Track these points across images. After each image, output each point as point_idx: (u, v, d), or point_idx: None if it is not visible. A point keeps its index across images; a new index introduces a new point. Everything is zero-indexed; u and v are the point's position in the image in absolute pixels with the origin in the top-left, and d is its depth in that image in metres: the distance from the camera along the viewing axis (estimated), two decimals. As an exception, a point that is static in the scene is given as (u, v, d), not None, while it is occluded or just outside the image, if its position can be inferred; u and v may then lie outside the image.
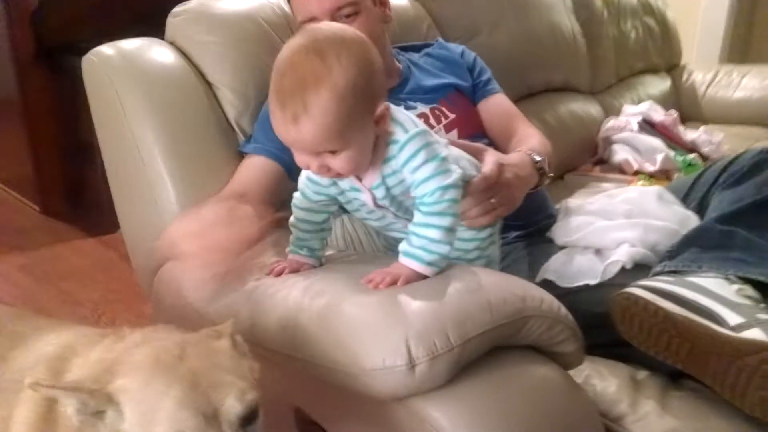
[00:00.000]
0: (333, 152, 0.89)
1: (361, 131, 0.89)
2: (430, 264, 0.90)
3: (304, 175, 1.02)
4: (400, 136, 0.93)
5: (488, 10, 1.90)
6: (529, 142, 1.29)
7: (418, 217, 0.92)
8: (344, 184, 0.99)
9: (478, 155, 1.10)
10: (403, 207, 1.00)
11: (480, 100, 1.45)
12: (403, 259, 0.91)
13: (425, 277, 0.89)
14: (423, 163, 0.91)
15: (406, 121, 0.95)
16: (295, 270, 1.01)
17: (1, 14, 2.72)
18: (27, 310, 1.09)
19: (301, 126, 0.86)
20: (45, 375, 0.83)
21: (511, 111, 1.46)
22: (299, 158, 0.93)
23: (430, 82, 1.39)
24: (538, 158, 1.22)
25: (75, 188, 3.04)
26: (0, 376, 0.88)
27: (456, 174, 0.92)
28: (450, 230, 0.91)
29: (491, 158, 1.08)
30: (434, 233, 0.89)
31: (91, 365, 0.79)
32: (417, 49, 1.52)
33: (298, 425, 1.07)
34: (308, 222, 1.03)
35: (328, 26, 0.96)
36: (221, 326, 0.80)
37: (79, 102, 2.90)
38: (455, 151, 1.04)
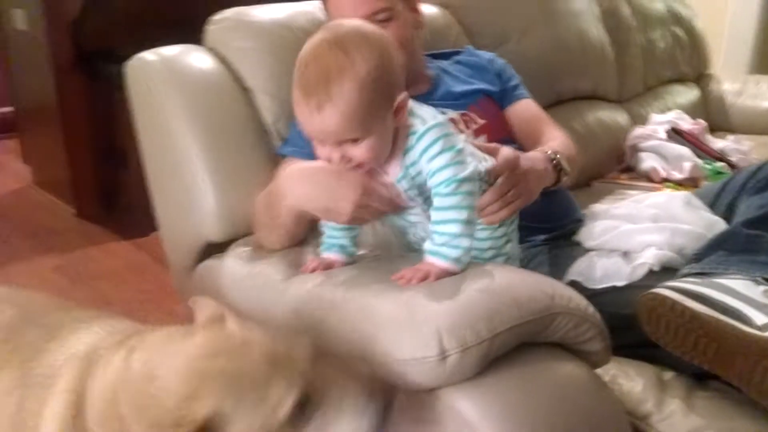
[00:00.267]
0: (354, 142, 0.94)
1: (381, 120, 0.94)
2: (456, 260, 0.93)
3: None
4: (419, 127, 0.98)
5: (517, 18, 1.93)
6: (551, 144, 1.32)
7: (435, 214, 0.95)
8: None
9: (493, 153, 1.12)
10: (430, 200, 1.03)
11: (508, 105, 1.47)
12: (429, 257, 0.94)
13: (454, 273, 0.92)
14: (439, 152, 0.95)
15: (426, 114, 1.00)
16: (328, 268, 1.04)
17: (42, 22, 2.81)
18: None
19: (325, 114, 0.91)
20: (69, 378, 0.82)
21: (539, 115, 1.49)
22: (321, 151, 0.98)
23: (459, 88, 1.43)
24: (554, 155, 1.24)
25: (109, 192, 3.12)
26: (34, 369, 0.89)
27: (471, 167, 0.96)
28: (469, 223, 0.94)
29: (506, 150, 1.11)
30: (454, 228, 0.93)
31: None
32: (446, 56, 1.55)
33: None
34: None
35: (349, 22, 1.01)
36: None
37: (114, 108, 3.02)
38: (472, 147, 1.07)
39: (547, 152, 1.25)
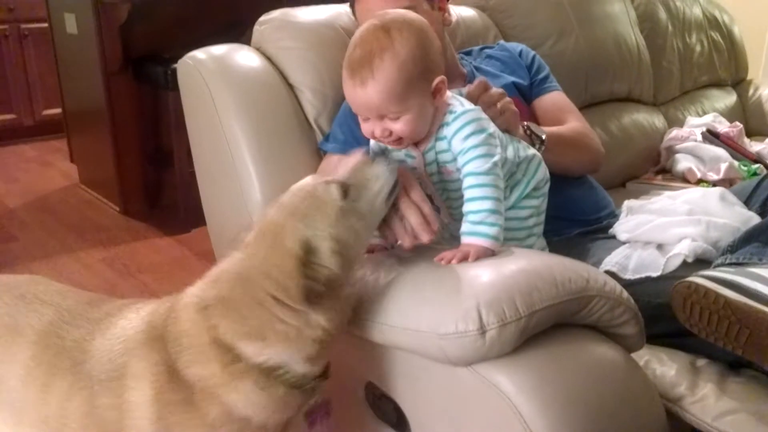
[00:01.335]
0: (394, 117, 1.02)
1: (419, 97, 1.02)
2: (494, 238, 0.97)
3: (371, 143, 1.13)
4: (457, 108, 1.06)
5: (553, 21, 1.96)
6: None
7: (470, 192, 1.00)
8: (401, 151, 1.11)
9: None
10: (444, 182, 1.10)
11: (536, 98, 1.50)
12: (467, 239, 0.98)
13: (492, 252, 0.97)
14: (473, 132, 1.02)
15: (466, 101, 1.08)
16: (370, 251, 1.09)
17: (93, 27, 2.93)
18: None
19: (368, 88, 1.00)
20: (146, 355, 0.89)
21: (566, 107, 1.52)
22: (365, 127, 1.06)
23: (492, 83, 1.46)
24: (525, 123, 1.28)
25: (153, 191, 3.23)
26: (92, 369, 0.92)
27: (498, 155, 1.02)
28: (500, 201, 1.00)
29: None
30: (489, 204, 0.98)
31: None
32: (478, 51, 1.59)
33: (368, 399, 1.15)
34: None
35: (394, 11, 1.09)
36: None
37: (160, 109, 3.12)
38: (503, 135, 1.12)
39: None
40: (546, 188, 1.18)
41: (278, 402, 0.88)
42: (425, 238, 0.97)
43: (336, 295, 0.89)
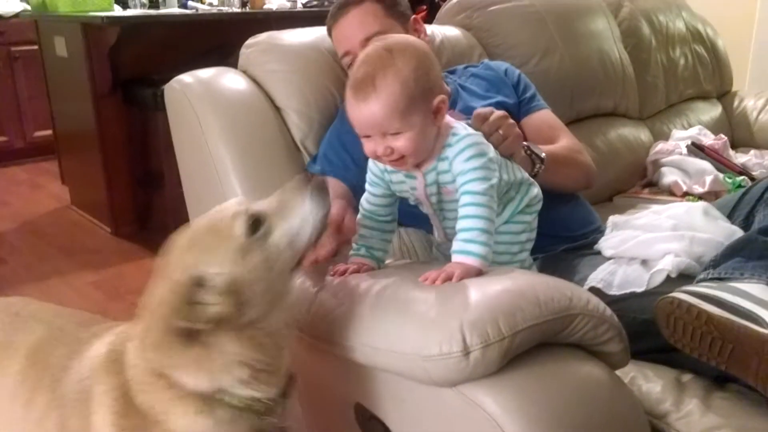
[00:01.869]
0: (396, 135, 1.03)
1: (421, 115, 1.04)
2: (482, 257, 0.99)
3: (370, 163, 1.16)
4: (460, 131, 1.08)
5: (537, 39, 1.98)
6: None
7: (464, 210, 1.02)
8: (400, 174, 1.12)
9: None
10: (441, 203, 1.12)
11: (524, 117, 1.52)
12: (457, 257, 0.99)
13: (478, 272, 0.98)
14: (474, 155, 1.04)
15: (467, 126, 1.11)
16: (356, 271, 1.10)
17: (83, 50, 2.95)
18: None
19: (371, 104, 1.02)
20: (104, 379, 0.89)
21: (556, 125, 1.54)
22: (367, 146, 1.07)
23: (477, 103, 1.47)
24: (525, 143, 1.31)
25: (144, 212, 3.24)
26: (65, 387, 0.93)
27: (495, 179, 1.05)
28: (492, 222, 1.01)
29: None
30: (482, 223, 1.00)
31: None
32: (461, 70, 1.60)
33: (358, 420, 1.15)
34: (373, 219, 1.15)
35: (396, 35, 1.15)
36: None
37: (149, 131, 3.13)
38: (502, 160, 1.15)
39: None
40: (539, 206, 1.20)
41: (229, 426, 0.86)
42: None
43: (238, 327, 0.84)
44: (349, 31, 1.38)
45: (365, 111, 1.03)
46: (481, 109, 1.21)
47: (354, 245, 1.14)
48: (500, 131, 1.18)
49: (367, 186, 1.17)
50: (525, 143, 1.31)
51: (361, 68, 1.05)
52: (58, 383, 0.94)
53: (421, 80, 1.04)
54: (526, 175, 1.20)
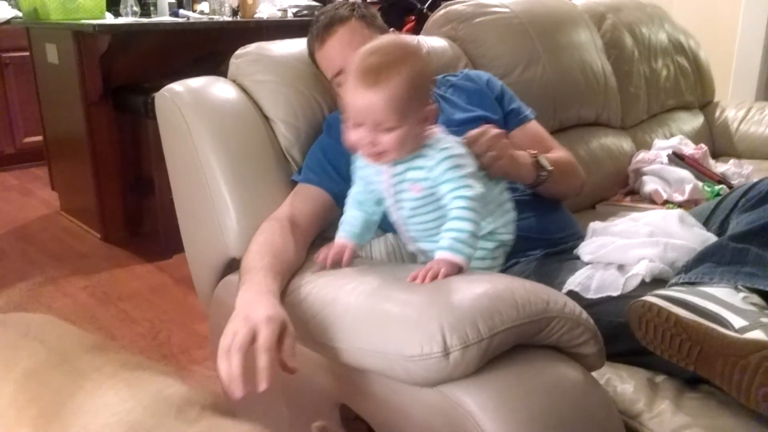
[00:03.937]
0: (387, 130, 1.06)
1: (415, 117, 1.08)
2: (468, 258, 1.04)
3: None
4: (449, 140, 1.13)
5: (521, 50, 2.03)
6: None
7: (458, 213, 1.07)
8: (372, 168, 1.17)
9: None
10: (401, 201, 1.16)
11: (515, 128, 1.54)
12: (444, 253, 1.04)
13: (460, 269, 1.03)
14: (457, 165, 1.09)
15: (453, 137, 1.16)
16: (339, 254, 1.15)
17: (74, 57, 2.97)
18: (90, 330, 1.07)
19: (375, 93, 1.04)
20: None
21: (546, 136, 1.58)
22: (354, 134, 1.09)
23: (459, 115, 1.49)
24: (533, 153, 1.36)
25: (134, 218, 3.26)
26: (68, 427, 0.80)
27: (479, 188, 1.09)
28: (478, 225, 1.07)
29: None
30: (468, 226, 1.05)
31: None
32: (441, 81, 1.62)
33: (343, 422, 1.18)
34: (360, 208, 1.21)
35: (405, 35, 1.17)
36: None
37: (140, 138, 3.16)
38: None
39: (527, 151, 1.36)
40: (506, 237, 1.27)
41: None
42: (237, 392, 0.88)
43: None
44: (340, 49, 1.41)
45: (367, 99, 1.05)
46: (473, 131, 1.23)
47: (340, 224, 1.20)
48: (493, 152, 1.21)
49: (356, 180, 1.22)
50: (533, 152, 1.36)
51: (372, 56, 1.06)
52: (44, 419, 0.83)
53: (423, 83, 1.09)
54: (508, 198, 1.26)
